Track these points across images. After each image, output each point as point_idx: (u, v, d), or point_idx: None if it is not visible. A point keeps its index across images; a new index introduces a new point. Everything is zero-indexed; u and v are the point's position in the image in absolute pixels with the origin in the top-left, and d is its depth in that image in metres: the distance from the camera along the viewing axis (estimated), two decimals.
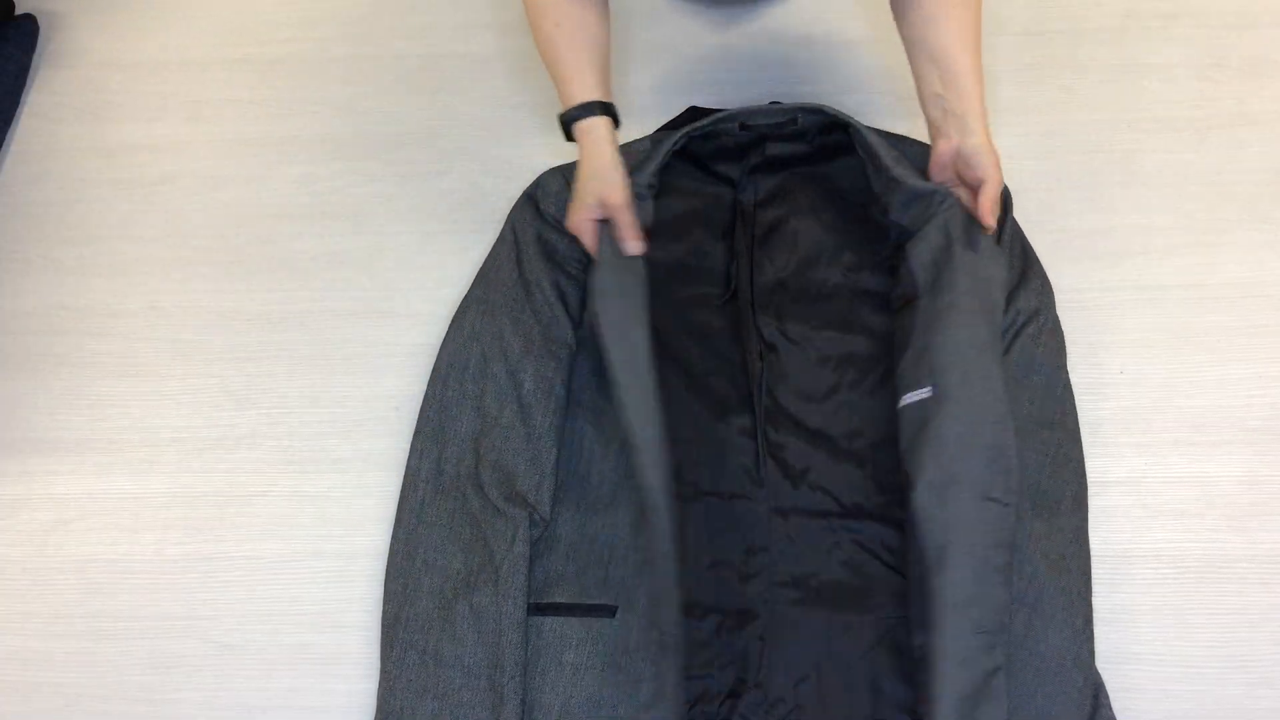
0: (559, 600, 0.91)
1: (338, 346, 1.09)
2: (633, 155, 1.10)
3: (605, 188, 0.96)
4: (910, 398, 0.91)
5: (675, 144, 1.04)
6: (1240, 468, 0.95)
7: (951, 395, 0.87)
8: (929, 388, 0.89)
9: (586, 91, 0.97)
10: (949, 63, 0.96)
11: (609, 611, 0.90)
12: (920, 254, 0.98)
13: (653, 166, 1.03)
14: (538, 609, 0.90)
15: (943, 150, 0.98)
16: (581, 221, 0.98)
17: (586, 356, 1.02)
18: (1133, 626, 0.89)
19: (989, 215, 0.95)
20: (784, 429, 0.97)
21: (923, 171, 1.05)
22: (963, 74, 0.96)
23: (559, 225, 1.06)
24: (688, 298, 1.04)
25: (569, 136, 0.98)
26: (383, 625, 0.90)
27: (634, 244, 0.96)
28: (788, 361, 1.00)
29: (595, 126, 0.97)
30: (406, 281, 1.12)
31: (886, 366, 1.00)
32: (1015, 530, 0.86)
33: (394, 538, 0.94)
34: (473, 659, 0.88)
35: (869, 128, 1.09)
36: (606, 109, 0.98)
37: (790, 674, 0.87)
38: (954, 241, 0.96)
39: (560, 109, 0.98)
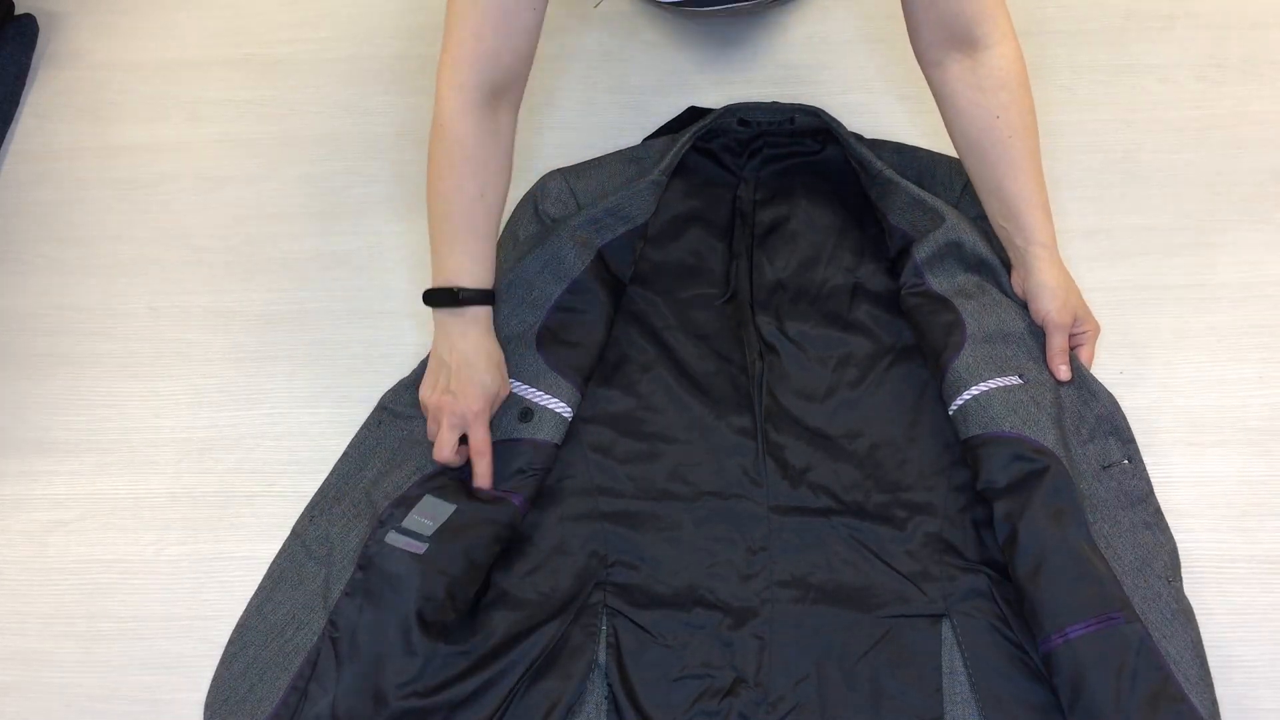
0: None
1: (338, 346, 1.09)
2: (640, 161, 1.10)
3: (504, 380, 0.93)
4: (984, 386, 0.92)
5: (683, 146, 1.05)
6: (1240, 468, 0.95)
7: (1045, 380, 0.93)
8: (1015, 375, 0.92)
9: (486, 276, 0.92)
10: (1007, 196, 0.94)
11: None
12: (926, 259, 0.98)
13: (664, 165, 1.03)
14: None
15: (1015, 283, 0.98)
16: (483, 410, 0.91)
17: None
18: None
19: (1055, 364, 0.93)
20: (784, 429, 0.97)
21: (922, 180, 1.06)
22: (1023, 207, 0.93)
23: (553, 225, 1.06)
24: (687, 298, 1.04)
25: (437, 303, 0.91)
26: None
27: (483, 477, 0.91)
28: (787, 361, 1.00)
29: (483, 314, 0.93)
30: (406, 281, 1.11)
31: (886, 366, 1.00)
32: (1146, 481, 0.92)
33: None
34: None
35: (858, 136, 1.09)
36: (491, 298, 0.93)
37: (790, 673, 0.87)
38: (969, 251, 0.97)
39: (441, 279, 0.91)
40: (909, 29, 0.94)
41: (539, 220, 1.07)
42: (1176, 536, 0.91)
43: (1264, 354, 1.00)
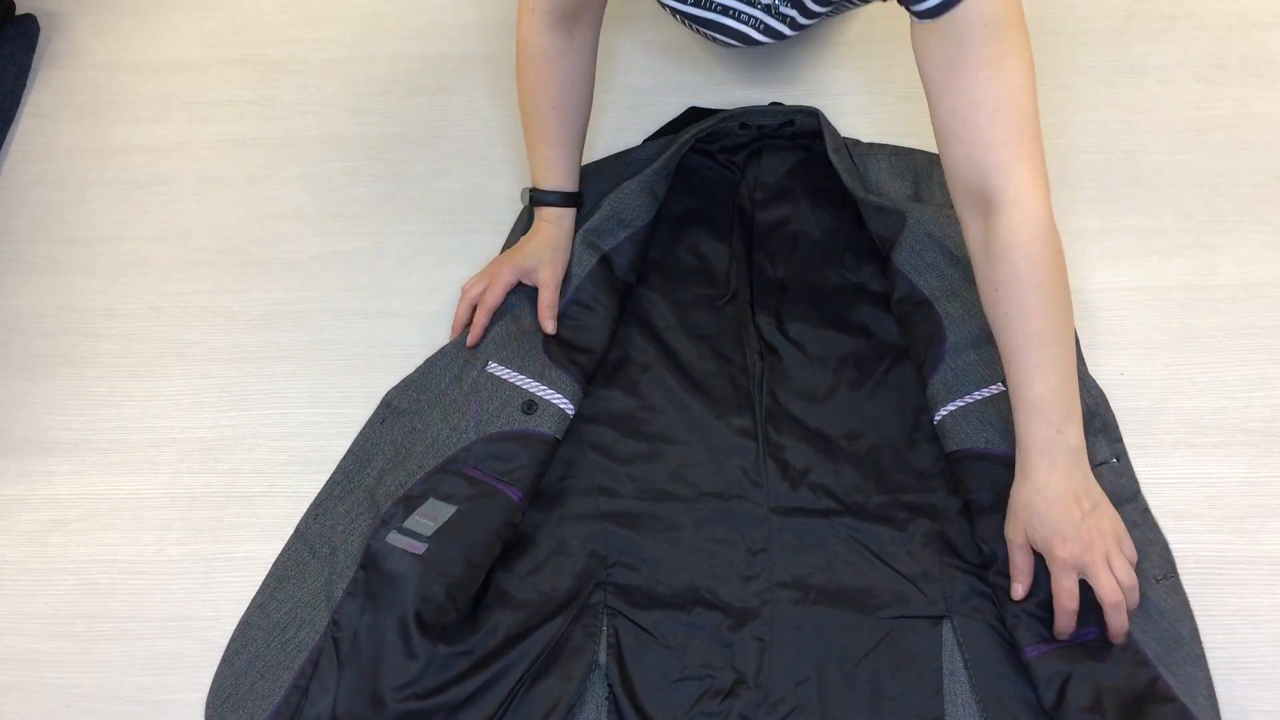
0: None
1: (338, 347, 1.09)
2: (638, 162, 1.10)
3: (543, 266, 1.00)
4: (960, 402, 0.92)
5: (684, 147, 1.05)
6: (1240, 468, 0.95)
7: None
8: (997, 383, 0.93)
9: (563, 179, 1.02)
10: (1013, 380, 0.81)
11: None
12: (906, 259, 0.98)
13: (656, 166, 1.03)
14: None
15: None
16: (500, 265, 1.01)
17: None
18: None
19: (1015, 583, 0.83)
20: (784, 429, 0.97)
21: (919, 181, 1.06)
22: (1013, 402, 0.81)
23: None
24: (688, 298, 1.04)
25: (529, 206, 1.04)
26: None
27: (550, 323, 0.99)
28: (788, 362, 1.00)
29: (563, 216, 1.02)
30: (406, 281, 1.11)
31: (886, 366, 1.00)
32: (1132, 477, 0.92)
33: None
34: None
35: (854, 141, 1.09)
36: (573, 200, 1.03)
37: (790, 674, 0.87)
38: (941, 241, 0.97)
39: (531, 179, 1.03)
40: (945, 173, 0.84)
41: None
42: (1177, 538, 0.91)
43: (1265, 355, 1.00)
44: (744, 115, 1.09)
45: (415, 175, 1.18)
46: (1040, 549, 0.81)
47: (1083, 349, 0.99)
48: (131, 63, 1.30)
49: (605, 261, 1.02)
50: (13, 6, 1.32)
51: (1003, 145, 0.77)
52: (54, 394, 1.09)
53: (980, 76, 0.75)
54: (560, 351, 0.99)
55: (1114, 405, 0.98)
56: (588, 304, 1.01)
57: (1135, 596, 0.80)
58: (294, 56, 1.28)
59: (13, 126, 1.26)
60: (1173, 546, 0.91)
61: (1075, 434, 0.81)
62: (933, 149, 1.09)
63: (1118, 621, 0.79)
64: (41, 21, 1.33)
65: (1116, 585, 0.79)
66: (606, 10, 1.25)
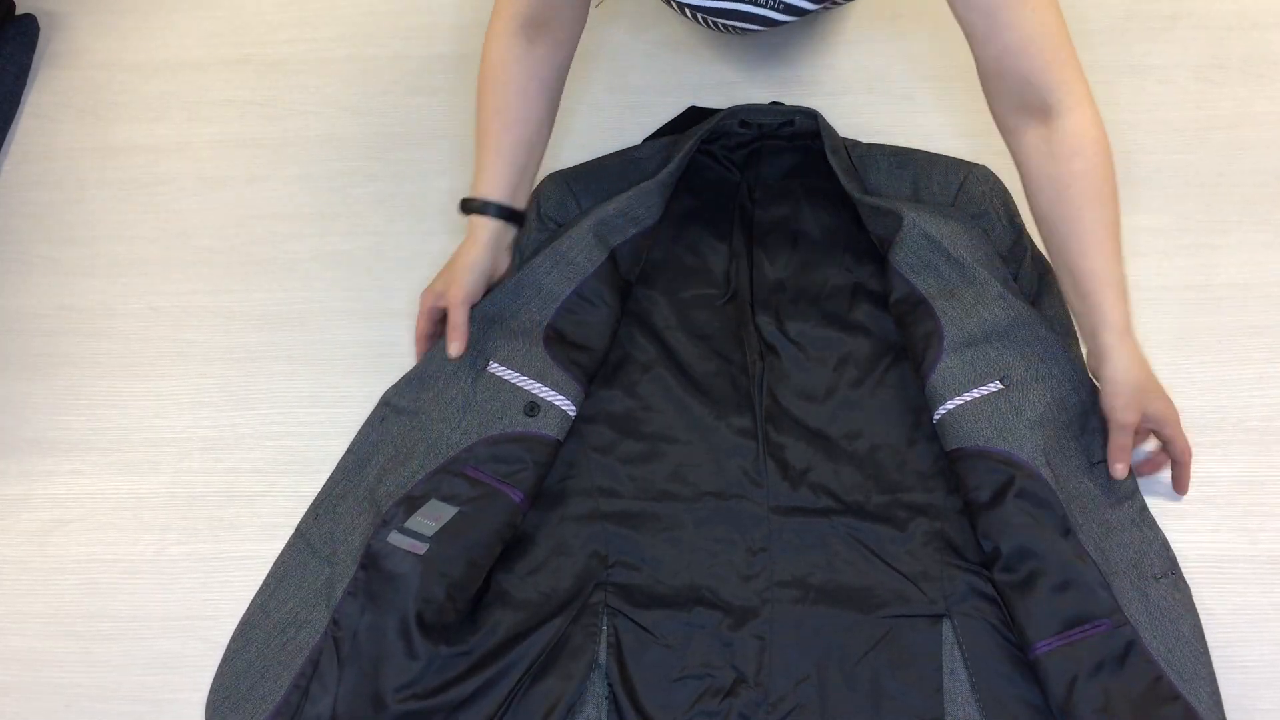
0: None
1: (338, 346, 1.09)
2: (639, 161, 1.10)
3: (452, 283, 0.97)
4: (959, 400, 0.92)
5: (691, 148, 1.05)
6: (1240, 468, 0.95)
7: (1032, 378, 0.92)
8: (995, 381, 0.92)
9: (496, 189, 0.98)
10: (1077, 272, 0.87)
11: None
12: (903, 259, 0.98)
13: (672, 167, 1.03)
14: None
15: (1090, 369, 0.92)
16: (424, 301, 0.99)
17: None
18: None
19: (1112, 462, 0.89)
20: (784, 429, 0.97)
21: (919, 181, 1.06)
22: (1093, 285, 0.87)
23: (559, 230, 1.06)
24: (688, 298, 1.04)
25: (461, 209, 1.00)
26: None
27: (455, 345, 0.96)
28: (787, 361, 1.00)
29: (484, 227, 0.98)
30: (406, 281, 1.11)
31: (886, 366, 1.00)
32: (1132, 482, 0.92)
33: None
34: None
35: (854, 141, 1.09)
36: (504, 213, 0.98)
37: (790, 674, 0.87)
38: (938, 240, 0.97)
39: (473, 185, 0.99)
40: (986, 97, 0.91)
41: (541, 222, 1.07)
42: (1178, 537, 0.91)
43: (1265, 354, 1.00)
44: (745, 113, 1.09)
45: (415, 175, 1.18)
46: (1158, 418, 0.88)
47: (1082, 349, 0.99)
48: (131, 63, 1.30)
49: (612, 259, 1.02)
50: (13, 6, 1.32)
51: (1061, 65, 0.85)
52: (54, 394, 1.09)
53: (1024, 13, 0.83)
54: (562, 350, 0.98)
55: None
56: (591, 299, 1.01)
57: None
58: (294, 56, 1.28)
59: (13, 126, 1.26)
60: (1172, 545, 0.91)
61: (1124, 315, 0.88)
62: (932, 149, 1.09)
63: (1187, 476, 0.91)
64: (41, 21, 1.33)
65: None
66: (607, 10, 1.25)
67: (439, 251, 1.12)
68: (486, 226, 0.98)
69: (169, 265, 1.15)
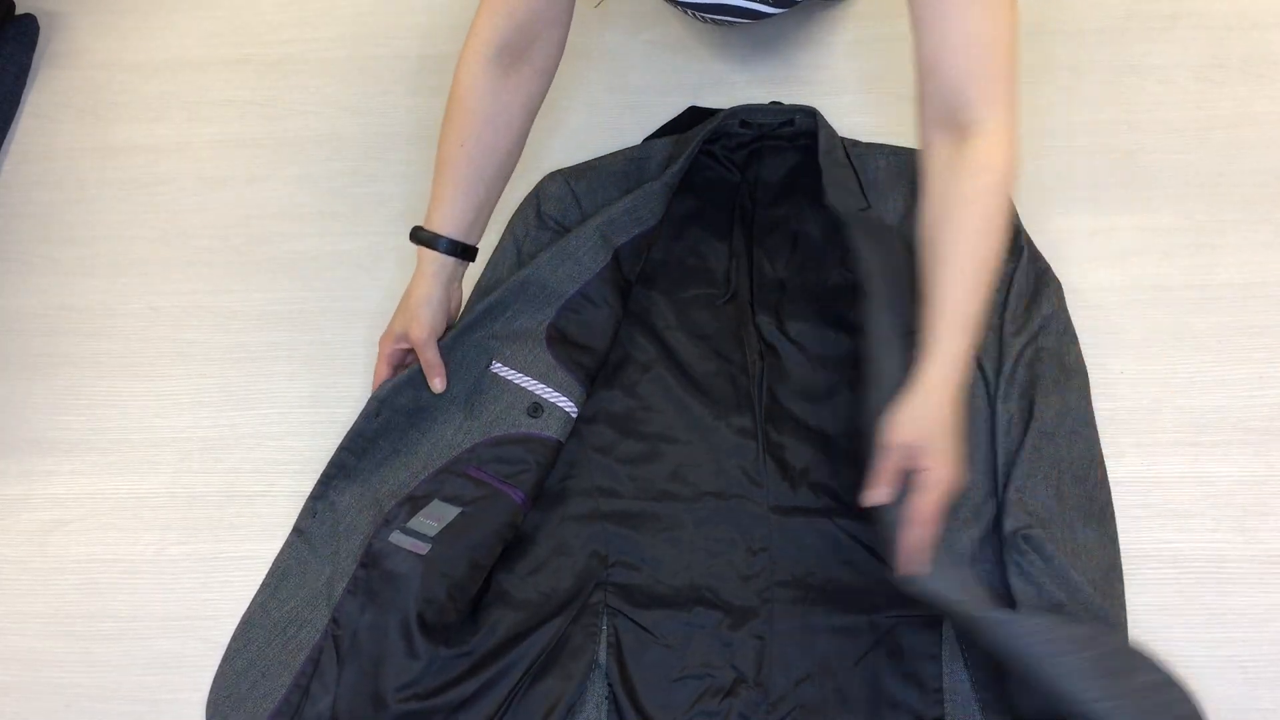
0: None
1: (338, 346, 1.09)
2: (640, 161, 1.10)
3: (412, 322, 0.94)
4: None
5: (694, 149, 1.05)
6: (1240, 468, 0.95)
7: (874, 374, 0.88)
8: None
9: (450, 224, 0.93)
10: (935, 295, 0.82)
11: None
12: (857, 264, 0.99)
13: (676, 168, 1.03)
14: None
15: None
16: (382, 342, 0.96)
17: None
18: (1133, 627, 0.88)
19: (870, 486, 0.81)
20: (784, 429, 0.97)
21: (915, 181, 1.06)
22: (933, 311, 0.82)
23: (560, 229, 1.06)
24: (688, 298, 1.04)
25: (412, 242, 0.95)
26: None
27: (438, 381, 0.95)
28: (787, 361, 1.00)
29: (434, 260, 0.94)
30: (406, 281, 1.11)
31: None
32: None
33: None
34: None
35: (852, 141, 1.09)
36: (455, 249, 0.94)
37: (790, 673, 0.87)
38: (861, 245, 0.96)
39: (424, 219, 0.95)
40: (915, 104, 0.86)
41: (541, 222, 1.07)
42: (1178, 537, 0.91)
43: (1265, 354, 1.00)
44: (745, 112, 1.09)
45: (415, 175, 1.18)
46: (915, 451, 0.80)
47: (1084, 349, 0.99)
48: (131, 63, 1.30)
49: (616, 259, 1.02)
50: (13, 6, 1.32)
51: (992, 79, 0.80)
52: (54, 394, 1.09)
53: (972, 13, 0.79)
54: (564, 351, 0.98)
55: (1114, 405, 0.98)
56: (595, 300, 1.01)
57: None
58: (294, 56, 1.28)
59: (13, 126, 1.26)
60: (1172, 545, 0.91)
61: (968, 356, 0.83)
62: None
63: (913, 539, 0.80)
64: (41, 21, 1.33)
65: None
66: (607, 10, 1.25)
67: None
68: (436, 260, 0.94)
69: (169, 265, 1.15)
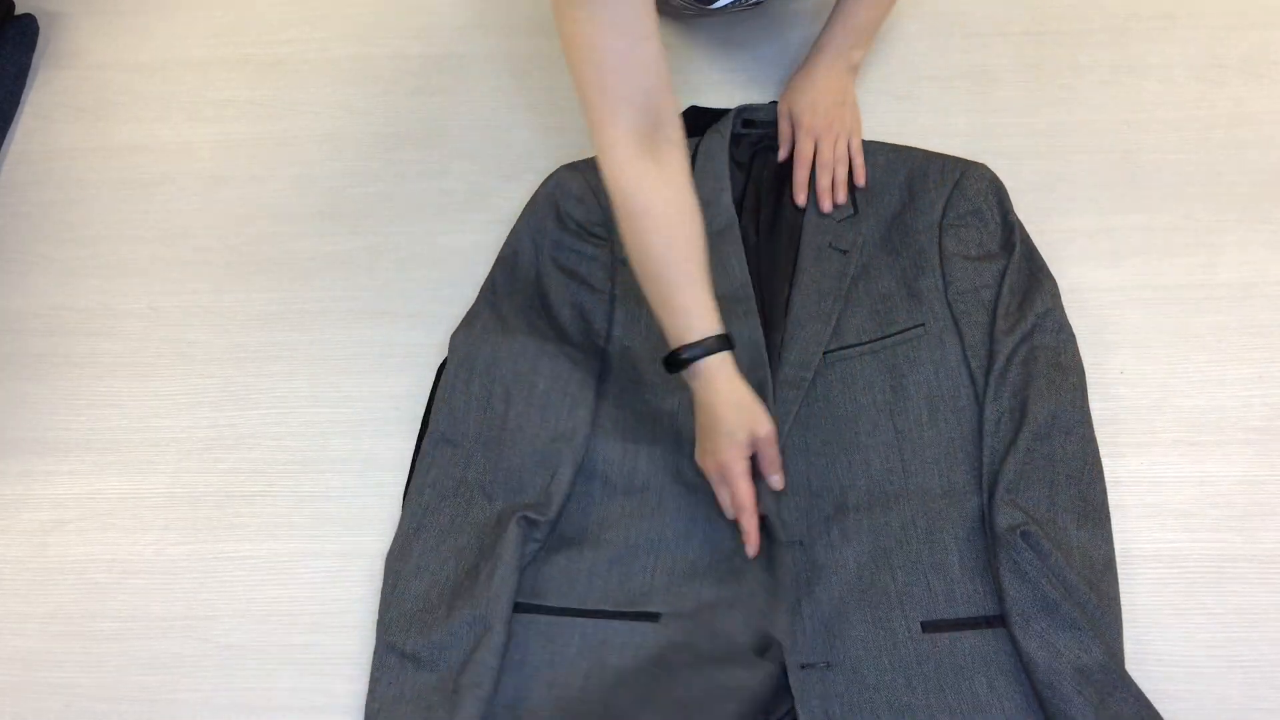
0: (604, 608, 0.89)
1: (338, 346, 1.09)
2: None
3: (754, 420, 0.87)
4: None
5: (697, 151, 1.05)
6: (1240, 468, 0.95)
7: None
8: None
9: (711, 319, 0.87)
10: (845, 4, 1.06)
11: (652, 618, 0.89)
12: None
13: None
14: (580, 613, 0.89)
15: None
16: (734, 460, 0.88)
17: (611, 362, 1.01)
18: (1133, 626, 0.89)
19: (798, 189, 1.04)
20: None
21: (914, 179, 1.06)
22: (846, 17, 1.03)
23: (581, 231, 1.05)
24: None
25: (673, 369, 0.87)
26: (376, 626, 0.90)
27: (778, 478, 0.90)
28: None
29: (725, 360, 0.87)
30: (406, 281, 1.11)
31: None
32: None
33: (394, 539, 0.94)
34: (447, 665, 0.86)
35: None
36: (728, 342, 0.87)
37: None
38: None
39: (672, 337, 0.87)
40: None
41: (560, 222, 1.06)
42: (1177, 536, 0.91)
43: (1265, 354, 1.00)
44: (749, 111, 1.09)
45: (415, 175, 1.18)
46: (793, 119, 1.05)
47: (1083, 348, 0.99)
48: (131, 63, 1.30)
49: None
50: (13, 6, 1.32)
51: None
52: (54, 394, 1.09)
53: None
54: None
55: (1114, 405, 0.98)
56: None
57: (855, 164, 1.06)
58: (294, 56, 1.28)
59: (13, 126, 1.26)
60: (1172, 545, 0.91)
61: (861, 58, 1.07)
62: (931, 148, 1.09)
63: (824, 182, 1.04)
64: (41, 21, 1.33)
65: (833, 155, 1.04)
66: None
67: (439, 251, 1.13)
68: (727, 359, 0.87)
69: (169, 265, 1.15)
